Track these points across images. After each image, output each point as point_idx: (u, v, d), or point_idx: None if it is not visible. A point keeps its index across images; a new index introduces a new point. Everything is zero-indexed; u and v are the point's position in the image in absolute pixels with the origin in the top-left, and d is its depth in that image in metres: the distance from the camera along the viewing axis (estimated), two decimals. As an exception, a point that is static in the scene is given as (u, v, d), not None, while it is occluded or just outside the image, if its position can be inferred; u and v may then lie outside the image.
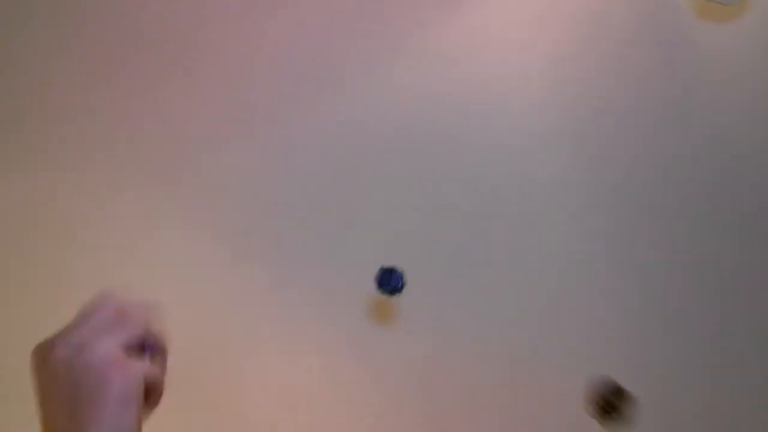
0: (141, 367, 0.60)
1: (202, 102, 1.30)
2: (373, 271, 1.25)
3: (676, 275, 1.40)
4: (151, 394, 0.64)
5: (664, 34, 1.38)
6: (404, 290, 0.58)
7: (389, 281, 0.61)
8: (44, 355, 0.58)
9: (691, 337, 1.40)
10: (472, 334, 1.34)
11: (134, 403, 0.57)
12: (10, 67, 1.26)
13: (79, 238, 1.26)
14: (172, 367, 1.29)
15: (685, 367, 1.40)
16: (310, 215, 1.31)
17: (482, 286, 1.35)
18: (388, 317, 1.31)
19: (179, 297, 1.27)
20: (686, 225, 1.40)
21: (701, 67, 1.39)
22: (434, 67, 1.34)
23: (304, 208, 1.31)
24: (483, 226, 1.35)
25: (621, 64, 1.38)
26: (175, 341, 1.29)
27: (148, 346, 0.67)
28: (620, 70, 1.38)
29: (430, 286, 1.33)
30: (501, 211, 1.36)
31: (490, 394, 1.35)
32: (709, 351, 1.40)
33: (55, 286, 1.25)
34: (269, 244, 1.30)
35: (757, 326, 1.41)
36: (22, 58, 1.26)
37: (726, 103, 1.41)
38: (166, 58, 1.29)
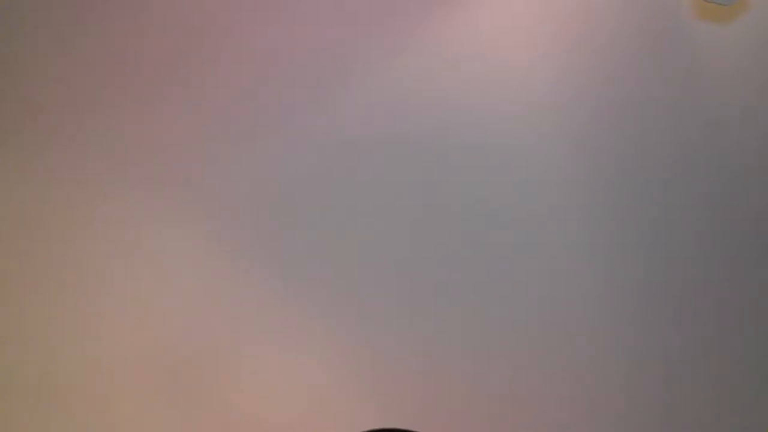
0: None
1: (204, 102, 1.30)
2: (373, 271, 1.25)
3: (676, 274, 1.40)
4: None
5: (664, 34, 1.38)
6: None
7: None
8: None
9: (691, 336, 1.40)
10: (472, 334, 1.35)
11: None
12: (11, 67, 1.26)
13: (79, 238, 1.26)
14: (174, 367, 1.30)
15: (685, 366, 1.40)
16: (311, 215, 1.31)
17: (482, 285, 1.35)
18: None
19: (179, 296, 1.27)
20: (685, 223, 1.40)
21: (700, 67, 1.39)
22: (435, 68, 1.34)
23: (305, 208, 1.31)
24: (483, 226, 1.35)
25: (621, 65, 1.38)
26: (176, 340, 1.29)
27: None
28: (620, 71, 1.38)
29: (430, 286, 1.34)
30: (501, 211, 1.36)
31: (490, 394, 1.35)
32: (709, 350, 1.41)
33: (55, 287, 1.25)
34: (270, 244, 1.30)
35: (757, 325, 1.42)
36: (23, 58, 1.26)
37: (725, 102, 1.41)
38: (168, 59, 1.29)
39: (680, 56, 1.39)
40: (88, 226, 1.27)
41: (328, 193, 1.32)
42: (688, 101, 1.40)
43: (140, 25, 1.28)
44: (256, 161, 1.30)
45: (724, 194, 1.41)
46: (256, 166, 1.31)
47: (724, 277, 1.41)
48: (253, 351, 1.29)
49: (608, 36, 1.37)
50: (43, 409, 1.23)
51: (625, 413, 1.38)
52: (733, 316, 1.41)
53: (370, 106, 1.33)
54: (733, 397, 1.40)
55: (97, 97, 1.27)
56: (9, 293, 1.24)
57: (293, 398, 1.30)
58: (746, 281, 1.41)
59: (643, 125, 1.39)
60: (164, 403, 1.26)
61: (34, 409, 1.22)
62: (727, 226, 1.41)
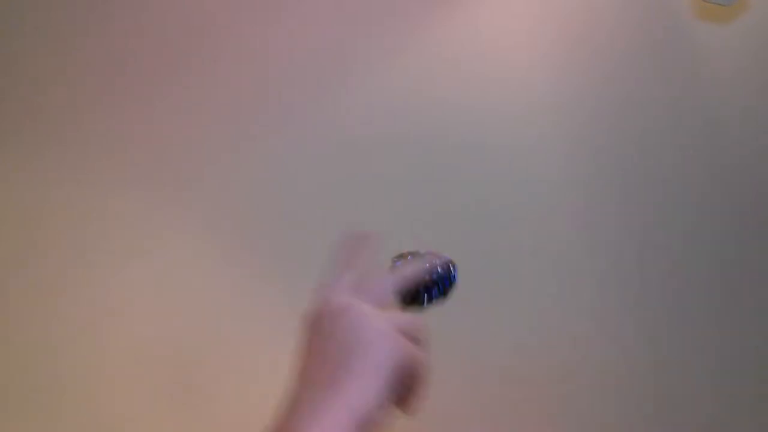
0: (413, 348, 0.60)
1: (204, 102, 1.30)
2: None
3: (676, 274, 1.40)
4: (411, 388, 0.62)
5: (664, 34, 1.38)
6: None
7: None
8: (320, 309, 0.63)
9: (691, 336, 1.40)
10: (471, 334, 1.34)
11: (385, 377, 0.57)
12: (11, 67, 1.26)
13: (80, 238, 1.26)
14: (174, 367, 1.29)
15: (685, 366, 1.40)
16: (311, 215, 1.31)
17: (482, 285, 1.35)
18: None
19: (179, 296, 1.27)
20: (685, 223, 1.40)
21: (700, 67, 1.39)
22: (435, 68, 1.34)
23: (305, 207, 1.31)
24: (483, 226, 1.35)
25: (621, 65, 1.38)
26: (176, 340, 1.29)
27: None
28: (620, 71, 1.38)
29: (429, 286, 1.33)
30: (501, 211, 1.36)
31: (489, 394, 1.35)
32: (709, 351, 1.41)
33: (55, 287, 1.25)
34: (270, 244, 1.30)
35: (757, 325, 1.42)
36: (23, 58, 1.26)
37: (725, 102, 1.41)
38: (168, 59, 1.29)
39: (680, 56, 1.39)
40: (88, 226, 1.27)
41: (328, 193, 1.32)
42: (688, 101, 1.40)
43: (140, 25, 1.28)
44: (256, 161, 1.31)
45: (724, 194, 1.41)
46: (256, 166, 1.31)
47: (724, 277, 1.41)
48: (253, 351, 1.29)
49: (608, 36, 1.37)
50: (43, 409, 1.23)
51: (624, 413, 1.38)
52: (733, 316, 1.41)
53: (370, 106, 1.33)
54: (733, 397, 1.40)
55: (97, 97, 1.27)
56: (9, 293, 1.24)
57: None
58: (746, 281, 1.41)
59: (643, 125, 1.39)
60: (164, 403, 1.26)
61: (34, 409, 1.22)
62: (727, 226, 1.41)
